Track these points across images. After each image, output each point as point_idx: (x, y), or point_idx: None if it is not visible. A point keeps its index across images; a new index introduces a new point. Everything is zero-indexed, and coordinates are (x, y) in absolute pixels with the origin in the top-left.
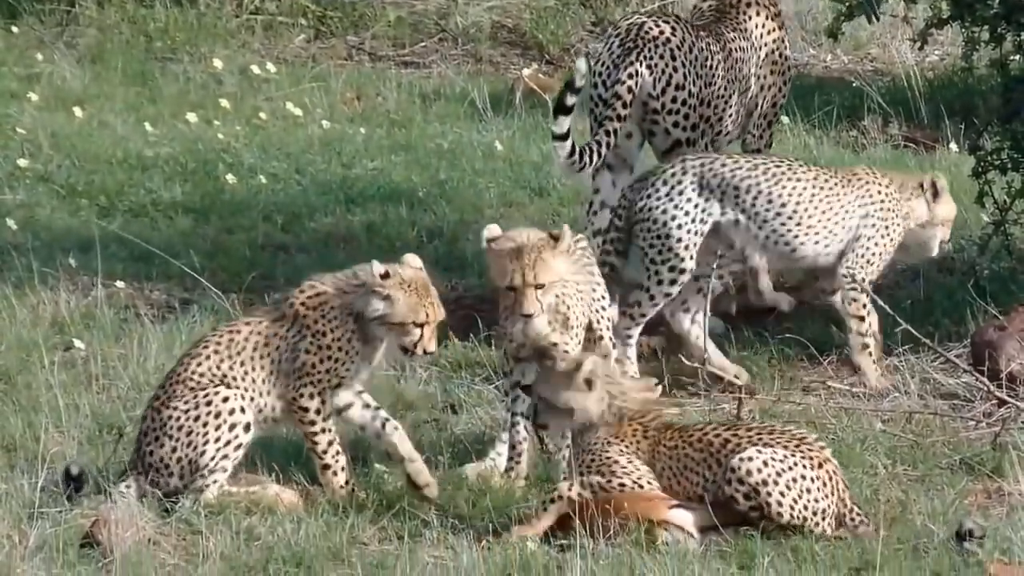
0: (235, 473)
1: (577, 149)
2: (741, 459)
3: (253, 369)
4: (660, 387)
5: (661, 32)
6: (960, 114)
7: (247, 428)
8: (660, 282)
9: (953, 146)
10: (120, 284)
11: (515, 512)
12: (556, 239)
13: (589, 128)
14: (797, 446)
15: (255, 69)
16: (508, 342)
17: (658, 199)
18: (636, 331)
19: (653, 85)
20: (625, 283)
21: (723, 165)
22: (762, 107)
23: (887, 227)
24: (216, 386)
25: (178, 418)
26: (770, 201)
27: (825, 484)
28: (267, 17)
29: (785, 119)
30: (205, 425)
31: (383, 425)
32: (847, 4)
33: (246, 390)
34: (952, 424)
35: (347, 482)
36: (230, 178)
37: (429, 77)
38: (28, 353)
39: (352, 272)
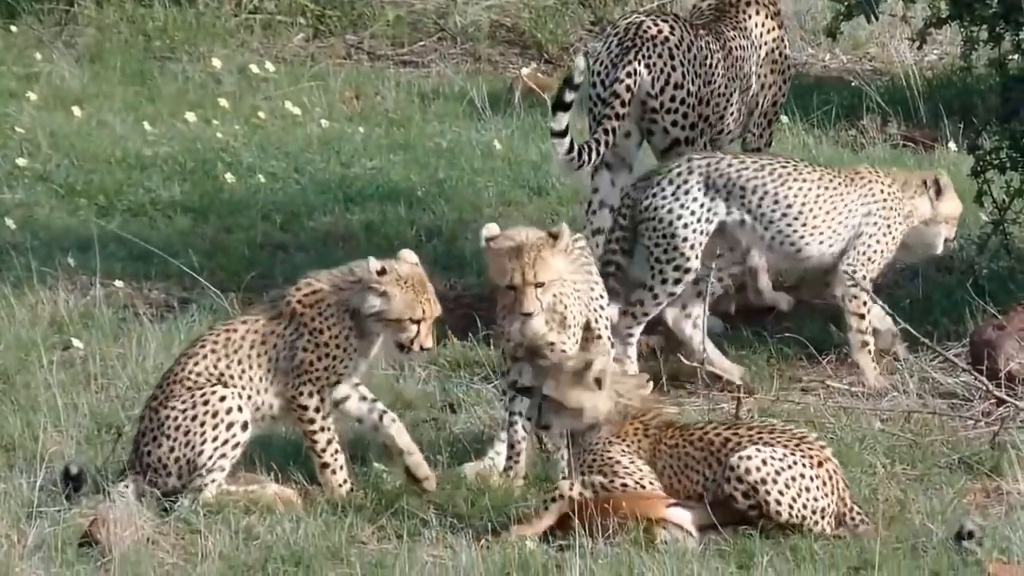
0: (234, 472)
1: (576, 146)
2: (740, 457)
3: (250, 367)
4: (651, 384)
5: (659, 31)
6: (959, 113)
7: (244, 427)
8: (664, 281)
9: (952, 145)
10: (119, 283)
11: (514, 511)
12: (555, 237)
13: (588, 127)
14: (797, 445)
15: (254, 68)
16: (506, 341)
17: (664, 198)
18: (638, 330)
19: (651, 84)
20: (631, 282)
21: (729, 165)
22: (762, 106)
23: (889, 225)
24: (213, 385)
25: (175, 418)
26: (776, 202)
27: (825, 483)
28: (266, 16)
29: (784, 118)
30: (202, 425)
31: (380, 417)
32: (846, 4)
33: (243, 388)
34: (951, 423)
35: (345, 481)
36: (229, 177)
37: (428, 76)
38: (27, 352)
39: (348, 268)
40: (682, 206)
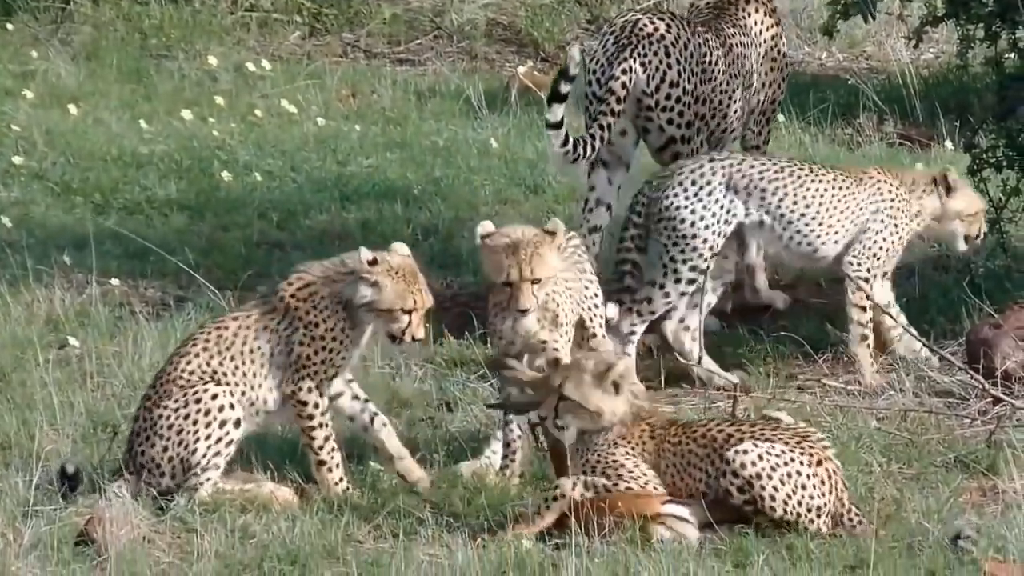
0: (230, 471)
1: (571, 139)
2: (736, 452)
3: (244, 363)
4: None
5: (656, 29)
6: (955, 112)
7: (237, 424)
8: (678, 280)
9: (948, 144)
10: (115, 281)
11: (510, 510)
12: (551, 234)
13: (584, 126)
14: (798, 443)
15: (250, 66)
16: (498, 339)
17: (686, 198)
18: (641, 328)
19: (647, 82)
20: (645, 280)
21: (751, 166)
22: (762, 104)
23: (896, 224)
24: (205, 383)
25: (168, 417)
26: (795, 203)
27: (823, 482)
28: (262, 14)
29: (781, 117)
30: (195, 423)
31: (371, 420)
32: (842, 2)
33: (237, 385)
34: (947, 422)
35: (342, 479)
36: (225, 175)
37: (424, 74)
38: (23, 351)
39: (340, 260)
40: (704, 207)
